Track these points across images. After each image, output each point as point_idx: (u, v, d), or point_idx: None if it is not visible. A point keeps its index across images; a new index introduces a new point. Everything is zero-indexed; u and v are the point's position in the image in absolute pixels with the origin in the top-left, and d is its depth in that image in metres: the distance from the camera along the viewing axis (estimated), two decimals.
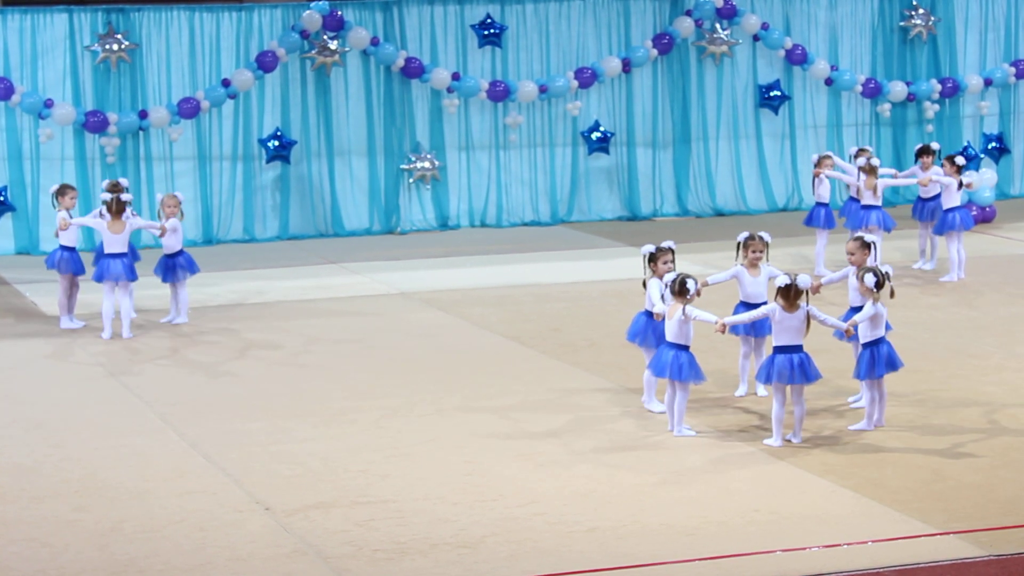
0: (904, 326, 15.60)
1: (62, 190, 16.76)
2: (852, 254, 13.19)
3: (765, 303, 13.49)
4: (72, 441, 12.66)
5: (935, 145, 19.80)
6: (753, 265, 13.46)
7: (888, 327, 13.32)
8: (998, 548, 10.01)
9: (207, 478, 11.65)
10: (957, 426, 12.76)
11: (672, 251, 13.26)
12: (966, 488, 11.20)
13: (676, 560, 9.87)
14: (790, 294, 12.24)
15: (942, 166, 19.12)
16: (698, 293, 12.52)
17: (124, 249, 16.26)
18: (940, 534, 10.27)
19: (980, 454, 12.01)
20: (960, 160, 18.87)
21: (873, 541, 10.15)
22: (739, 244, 13.55)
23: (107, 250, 16.26)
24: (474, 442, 12.46)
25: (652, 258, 13.21)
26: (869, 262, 13.09)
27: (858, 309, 13.02)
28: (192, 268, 16.96)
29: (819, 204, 19.20)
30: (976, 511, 10.70)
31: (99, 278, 16.31)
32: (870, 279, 12.46)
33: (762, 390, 13.65)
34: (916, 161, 19.70)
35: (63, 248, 16.62)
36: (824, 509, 10.80)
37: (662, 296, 12.81)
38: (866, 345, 12.59)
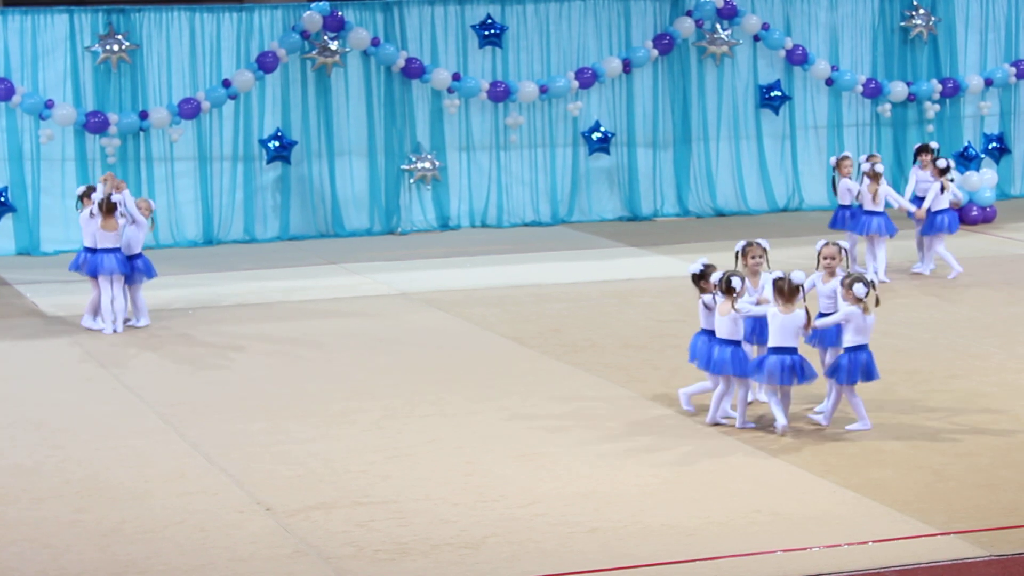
0: (905, 326, 15.60)
1: (88, 192, 16.83)
2: (833, 258, 13.22)
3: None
4: (73, 442, 12.66)
5: (934, 144, 19.81)
6: (754, 273, 13.32)
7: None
8: (999, 548, 10.01)
9: (208, 479, 11.65)
10: (958, 426, 12.77)
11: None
12: (967, 488, 11.20)
13: (677, 560, 9.87)
14: (786, 291, 12.29)
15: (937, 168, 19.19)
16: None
17: (117, 244, 16.51)
18: (941, 534, 10.28)
19: (981, 454, 12.01)
20: (942, 163, 18.92)
21: (874, 541, 10.15)
22: (738, 252, 13.46)
23: (100, 245, 16.50)
24: (475, 442, 12.46)
25: (702, 276, 13.14)
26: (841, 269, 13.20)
27: (826, 316, 13.00)
28: (149, 272, 16.93)
29: (842, 207, 19.11)
30: (977, 511, 10.70)
31: (93, 273, 16.49)
32: (860, 289, 12.44)
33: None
34: (915, 160, 19.71)
35: (87, 250, 16.70)
36: (825, 509, 10.80)
37: (713, 297, 12.84)
38: (848, 350, 12.60)
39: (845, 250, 13.36)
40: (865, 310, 12.52)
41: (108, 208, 16.46)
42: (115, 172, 21.41)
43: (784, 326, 12.34)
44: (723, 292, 12.68)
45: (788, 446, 12.23)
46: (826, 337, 13.05)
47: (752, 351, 13.50)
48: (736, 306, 12.60)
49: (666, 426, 12.80)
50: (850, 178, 19.06)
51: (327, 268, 20.42)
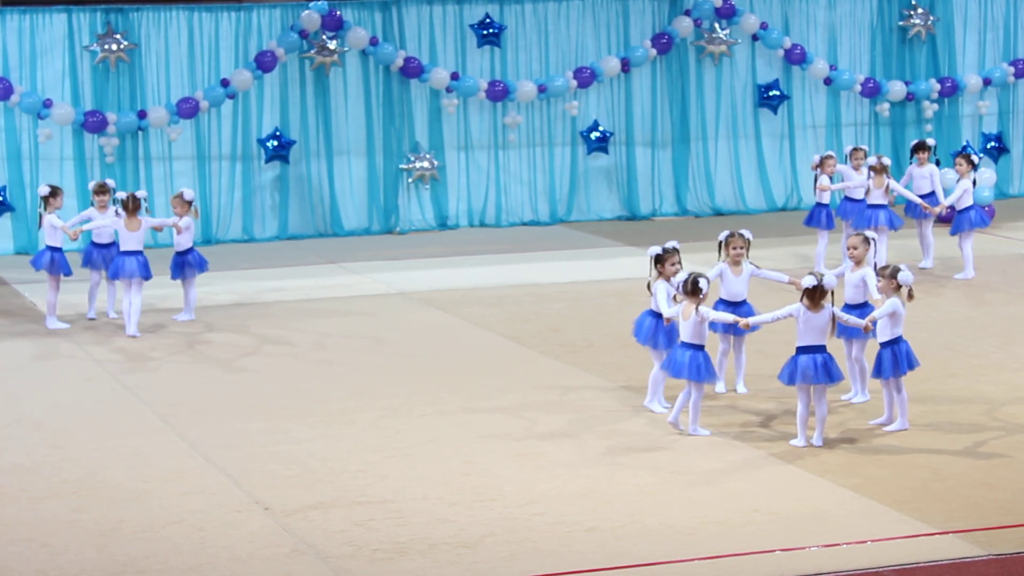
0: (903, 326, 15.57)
1: (55, 192, 16.77)
2: (856, 248, 13.26)
3: (744, 301, 13.54)
4: (71, 441, 12.66)
5: (931, 141, 19.83)
6: (735, 263, 13.59)
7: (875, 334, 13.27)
8: (997, 547, 10.01)
9: (206, 478, 11.65)
10: (956, 425, 12.77)
11: (678, 251, 13.26)
12: (965, 487, 11.20)
13: (675, 560, 9.87)
14: (816, 295, 12.15)
15: (954, 164, 19.13)
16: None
17: (139, 247, 16.43)
18: (939, 533, 10.28)
19: (979, 453, 12.01)
20: (975, 158, 18.84)
21: (872, 541, 10.15)
22: (721, 242, 13.69)
23: (122, 248, 16.43)
24: (473, 442, 12.46)
25: (659, 259, 13.14)
26: (868, 258, 13.19)
27: (853, 307, 13.06)
28: (202, 266, 17.06)
29: (819, 204, 19.22)
30: (975, 510, 10.70)
31: (114, 276, 16.50)
32: (905, 277, 12.37)
33: (742, 387, 13.79)
34: (912, 158, 19.70)
35: (51, 249, 16.66)
36: (823, 509, 10.80)
37: (675, 298, 12.84)
38: (886, 344, 12.55)
39: (872, 240, 13.34)
40: (909, 299, 12.45)
41: (134, 206, 16.38)
42: (114, 171, 21.44)
43: (814, 325, 12.19)
44: (687, 294, 12.48)
45: (786, 446, 12.22)
46: (853, 329, 12.97)
47: (729, 341, 13.71)
48: (700, 310, 12.38)
49: (664, 426, 12.79)
50: (831, 179, 19.10)
51: (326, 267, 20.43)
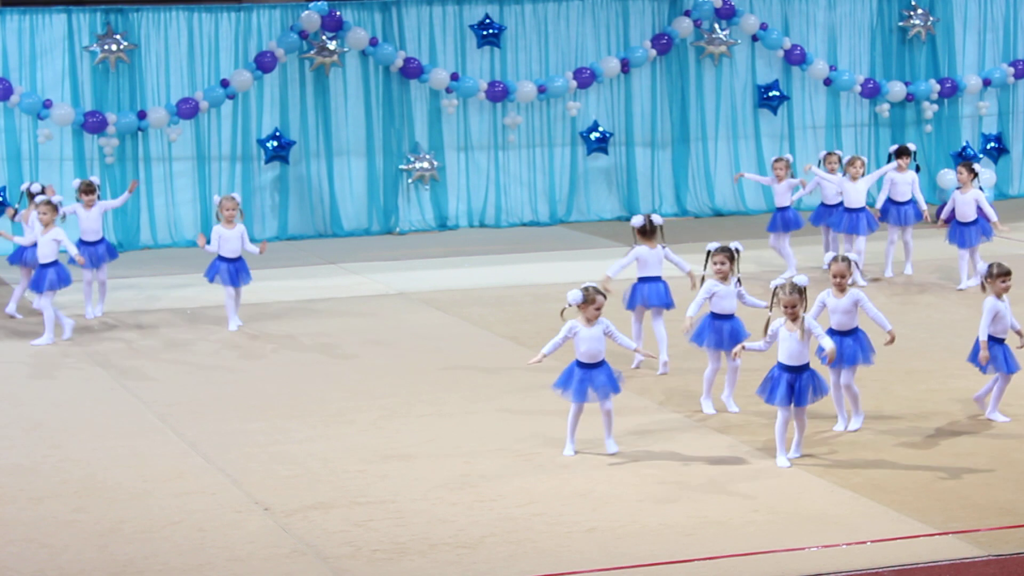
0: (903, 326, 15.58)
1: (43, 192, 17.08)
2: (843, 276, 12.56)
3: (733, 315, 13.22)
4: (71, 442, 12.67)
5: (911, 146, 19.55)
6: (723, 277, 13.15)
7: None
8: (996, 548, 10.02)
9: (206, 478, 11.65)
10: (956, 426, 12.77)
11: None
12: (965, 488, 11.21)
13: (675, 560, 9.88)
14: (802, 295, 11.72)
15: (957, 170, 18.84)
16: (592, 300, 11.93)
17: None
18: (939, 534, 10.28)
19: (979, 454, 12.01)
20: (977, 167, 18.38)
21: (872, 541, 10.16)
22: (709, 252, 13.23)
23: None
24: (472, 442, 12.46)
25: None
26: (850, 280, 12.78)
27: (843, 334, 12.67)
28: (229, 277, 16.64)
29: (779, 208, 19.18)
30: (975, 511, 10.70)
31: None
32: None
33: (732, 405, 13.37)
34: (890, 160, 19.36)
35: (24, 249, 17.06)
36: (823, 509, 10.80)
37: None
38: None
39: (855, 263, 12.84)
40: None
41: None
42: (113, 172, 21.46)
43: (794, 337, 11.81)
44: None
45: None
46: (848, 357, 12.58)
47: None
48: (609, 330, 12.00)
49: (664, 426, 12.81)
50: (793, 176, 19.18)
51: (325, 268, 20.44)
